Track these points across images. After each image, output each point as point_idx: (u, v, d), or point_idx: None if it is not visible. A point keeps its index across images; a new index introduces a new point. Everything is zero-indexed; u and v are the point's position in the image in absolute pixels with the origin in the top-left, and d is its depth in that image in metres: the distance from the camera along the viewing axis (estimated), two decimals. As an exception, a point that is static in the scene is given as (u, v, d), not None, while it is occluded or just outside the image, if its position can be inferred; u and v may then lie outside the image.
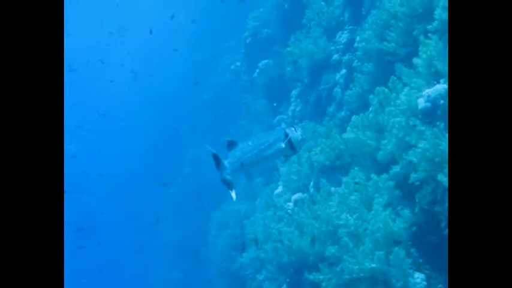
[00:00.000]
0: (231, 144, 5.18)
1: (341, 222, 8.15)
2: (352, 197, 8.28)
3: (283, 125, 13.81)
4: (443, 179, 7.04)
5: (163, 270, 25.15)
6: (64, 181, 2.77)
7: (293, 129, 5.16)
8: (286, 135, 5.07)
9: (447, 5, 7.61)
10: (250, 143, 5.15)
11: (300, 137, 5.10)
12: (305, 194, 10.46)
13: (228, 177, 5.00)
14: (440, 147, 7.18)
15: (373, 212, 7.81)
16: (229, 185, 5.04)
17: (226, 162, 5.03)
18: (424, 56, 7.84)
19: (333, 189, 9.24)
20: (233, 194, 5.03)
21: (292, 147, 5.08)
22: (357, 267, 7.52)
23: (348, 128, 9.31)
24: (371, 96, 8.65)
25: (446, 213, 7.29)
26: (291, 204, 10.74)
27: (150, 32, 18.00)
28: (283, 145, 5.04)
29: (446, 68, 7.62)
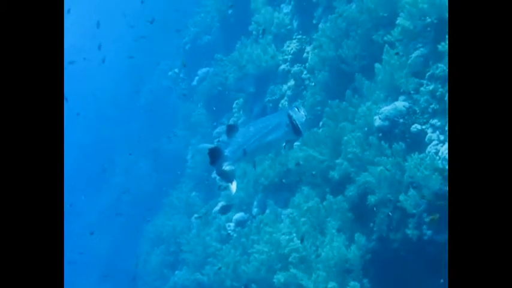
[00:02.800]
0: (231, 130, 4.54)
1: (292, 247, 7.46)
2: (303, 219, 7.62)
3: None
4: (403, 202, 6.52)
5: (91, 285, 23.72)
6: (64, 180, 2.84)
7: (296, 109, 4.58)
8: (290, 117, 4.51)
9: (412, 12, 7.15)
10: (251, 128, 4.57)
11: (304, 117, 4.56)
12: (247, 214, 9.71)
13: (229, 168, 4.38)
14: (401, 168, 6.66)
15: (328, 236, 7.17)
16: (229, 177, 4.42)
17: (227, 151, 4.41)
18: (387, 67, 7.31)
19: (280, 210, 8.54)
20: (233, 186, 4.43)
21: (296, 130, 4.51)
22: (309, 297, 6.86)
23: (297, 144, 8.67)
24: (326, 109, 8.02)
25: (402, 240, 6.80)
26: (231, 224, 9.96)
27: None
28: (286, 128, 4.50)
29: (407, 83, 7.14)
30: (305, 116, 4.59)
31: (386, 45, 7.36)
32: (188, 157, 16.56)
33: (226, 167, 4.38)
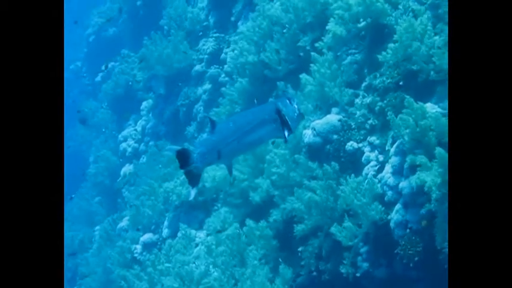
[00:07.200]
0: (213, 125, 3.72)
1: (207, 281, 6.45)
2: (221, 248, 6.62)
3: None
4: (335, 231, 5.68)
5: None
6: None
7: (287, 101, 3.72)
8: (279, 111, 3.70)
9: (345, 17, 6.28)
10: (231, 124, 3.79)
11: (297, 112, 3.74)
12: (156, 236, 8.54)
13: (195, 171, 3.61)
14: (335, 192, 5.80)
15: (249, 269, 6.21)
16: (193, 181, 3.64)
17: (196, 154, 3.61)
18: (317, 75, 6.39)
19: (194, 232, 7.48)
20: (192, 193, 3.71)
21: (286, 126, 3.69)
22: None
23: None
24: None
25: (332, 270, 6.00)
26: (138, 247, 8.75)
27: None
28: (274, 124, 3.71)
29: (341, 93, 6.28)
30: (297, 110, 3.75)
31: (314, 54, 6.46)
32: (91, 159, 15.06)
33: (194, 169, 3.61)
